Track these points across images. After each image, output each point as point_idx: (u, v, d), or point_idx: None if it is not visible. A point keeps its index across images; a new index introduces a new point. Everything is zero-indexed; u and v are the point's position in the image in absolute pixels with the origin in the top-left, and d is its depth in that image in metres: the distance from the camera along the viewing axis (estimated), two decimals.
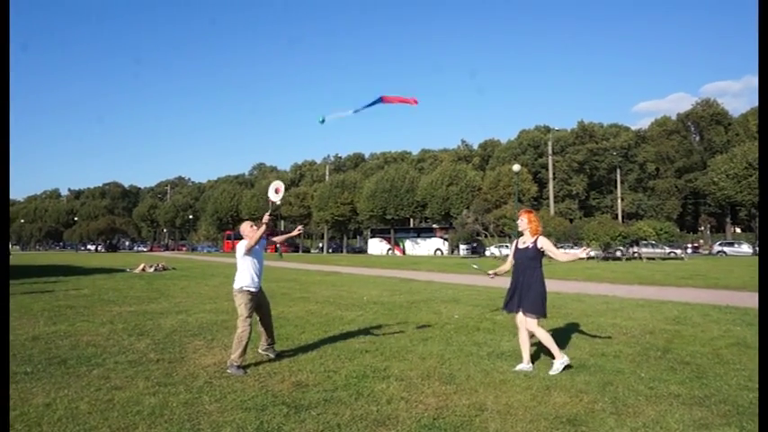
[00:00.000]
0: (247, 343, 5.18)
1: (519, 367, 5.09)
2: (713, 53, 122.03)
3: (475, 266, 9.58)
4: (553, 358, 5.08)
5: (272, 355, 5.63)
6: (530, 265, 5.09)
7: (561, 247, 39.47)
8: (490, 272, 5.79)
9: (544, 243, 5.10)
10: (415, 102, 5.66)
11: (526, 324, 5.11)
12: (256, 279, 5.39)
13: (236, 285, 5.35)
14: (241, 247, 5.39)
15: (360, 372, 5.03)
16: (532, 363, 5.18)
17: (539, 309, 5.04)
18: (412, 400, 4.20)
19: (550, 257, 5.24)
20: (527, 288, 5.06)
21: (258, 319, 5.58)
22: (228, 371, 5.04)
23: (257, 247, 5.41)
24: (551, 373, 4.94)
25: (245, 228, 5.54)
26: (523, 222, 5.22)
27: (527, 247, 5.14)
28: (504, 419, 3.75)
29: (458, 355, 5.76)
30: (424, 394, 4.34)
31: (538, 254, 5.09)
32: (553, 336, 6.58)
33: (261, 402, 4.13)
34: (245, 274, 5.34)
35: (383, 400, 4.17)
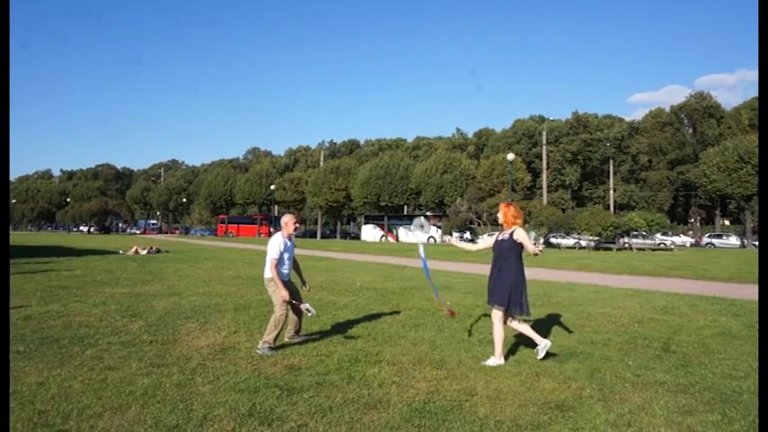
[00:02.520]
0: (283, 327, 5.33)
1: (488, 361, 4.88)
2: (709, 46, 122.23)
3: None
4: (494, 354, 4.97)
5: (298, 340, 5.66)
6: (504, 256, 5.02)
7: (554, 236, 39.83)
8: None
9: (520, 235, 4.97)
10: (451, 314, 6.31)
11: (493, 315, 5.05)
12: (287, 270, 5.47)
13: (269, 275, 5.35)
14: (278, 241, 5.34)
15: (352, 356, 5.08)
16: (505, 357, 4.97)
17: (501, 299, 4.93)
18: (403, 384, 4.25)
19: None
20: (498, 279, 5.01)
21: (289, 306, 5.54)
22: (259, 351, 5.14)
23: (289, 242, 5.50)
24: (483, 363, 4.86)
25: (289, 221, 5.53)
26: (500, 214, 5.19)
27: (503, 239, 5.08)
28: (494, 404, 3.82)
29: (449, 341, 5.83)
30: (415, 379, 4.40)
31: (513, 245, 4.99)
32: (543, 324, 6.66)
33: (253, 384, 4.18)
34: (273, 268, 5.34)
35: (375, 384, 4.23)
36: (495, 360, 4.91)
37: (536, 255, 5.09)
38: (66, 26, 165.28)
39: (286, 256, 5.42)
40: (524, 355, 5.18)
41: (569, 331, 6.42)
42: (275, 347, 5.24)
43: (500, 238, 5.18)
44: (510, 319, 5.08)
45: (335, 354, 5.17)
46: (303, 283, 5.84)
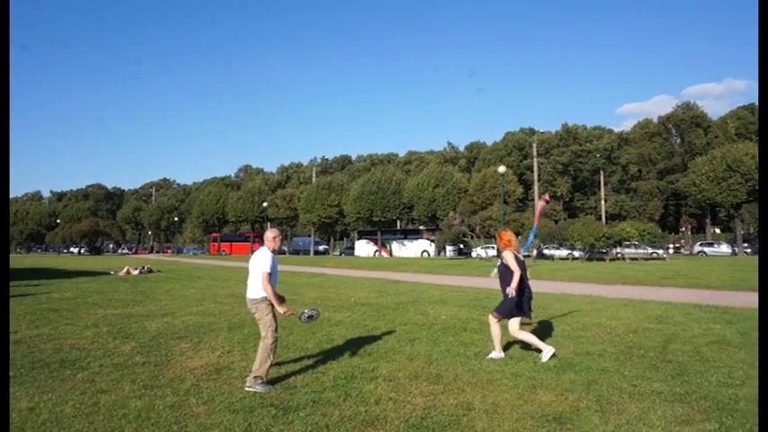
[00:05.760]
0: (275, 356, 4.79)
1: (491, 355, 5.72)
2: (696, 56, 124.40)
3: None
4: (497, 349, 5.75)
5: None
6: (503, 276, 5.81)
7: (546, 248, 40.02)
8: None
9: (506, 258, 5.79)
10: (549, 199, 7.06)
11: (489, 318, 5.90)
12: (274, 286, 4.91)
13: (258, 295, 4.77)
14: (266, 256, 4.81)
15: (348, 373, 5.04)
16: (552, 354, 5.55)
17: (501, 311, 5.74)
18: (400, 400, 4.22)
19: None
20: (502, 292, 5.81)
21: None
22: (249, 388, 4.50)
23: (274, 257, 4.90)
24: (487, 357, 5.63)
25: (276, 235, 4.98)
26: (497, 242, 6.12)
27: (500, 262, 5.99)
28: (492, 418, 3.79)
29: (445, 355, 5.80)
30: (411, 394, 4.37)
31: (506, 266, 5.81)
32: (538, 335, 6.67)
33: (249, 404, 4.13)
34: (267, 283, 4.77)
35: (371, 401, 4.19)
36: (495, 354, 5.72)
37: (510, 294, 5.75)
38: (50, 36, 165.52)
39: (274, 271, 4.87)
40: (521, 368, 5.17)
41: (570, 339, 6.41)
42: (271, 381, 4.69)
43: (501, 260, 6.00)
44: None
45: (331, 371, 5.13)
46: (282, 299, 5.01)
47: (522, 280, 5.66)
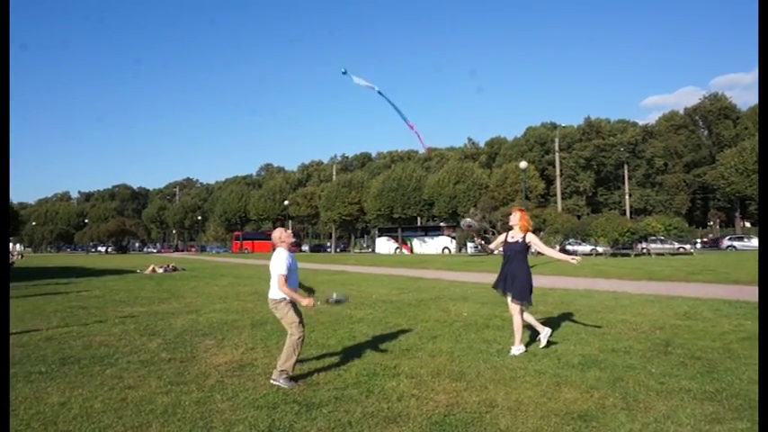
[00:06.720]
0: (301, 351, 4.78)
1: (513, 351, 5.59)
2: (723, 46, 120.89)
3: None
4: (518, 342, 5.71)
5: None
6: (517, 257, 5.68)
7: (569, 244, 39.45)
8: (476, 240, 6.80)
9: (532, 239, 5.73)
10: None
11: (510, 308, 5.74)
12: (293, 286, 4.86)
13: (277, 295, 4.76)
14: (282, 257, 4.77)
15: (370, 369, 5.05)
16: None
17: (523, 297, 5.64)
18: (422, 397, 4.22)
19: (538, 251, 5.88)
20: (513, 277, 5.65)
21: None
22: (277, 382, 4.56)
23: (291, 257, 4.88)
24: (509, 353, 5.55)
25: (281, 235, 4.95)
26: (515, 218, 5.81)
27: (516, 241, 5.74)
28: (515, 415, 3.76)
29: (467, 352, 5.77)
30: (434, 391, 4.36)
31: (525, 248, 5.71)
32: (562, 333, 6.61)
33: (272, 400, 4.17)
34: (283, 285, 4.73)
35: (394, 398, 4.19)
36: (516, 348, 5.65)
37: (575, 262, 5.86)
38: (72, 37, 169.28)
39: (292, 270, 4.83)
40: (545, 365, 5.11)
41: (595, 336, 6.32)
42: (295, 378, 4.70)
43: (511, 239, 5.85)
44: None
45: (353, 367, 5.15)
46: (311, 291, 5.10)
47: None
